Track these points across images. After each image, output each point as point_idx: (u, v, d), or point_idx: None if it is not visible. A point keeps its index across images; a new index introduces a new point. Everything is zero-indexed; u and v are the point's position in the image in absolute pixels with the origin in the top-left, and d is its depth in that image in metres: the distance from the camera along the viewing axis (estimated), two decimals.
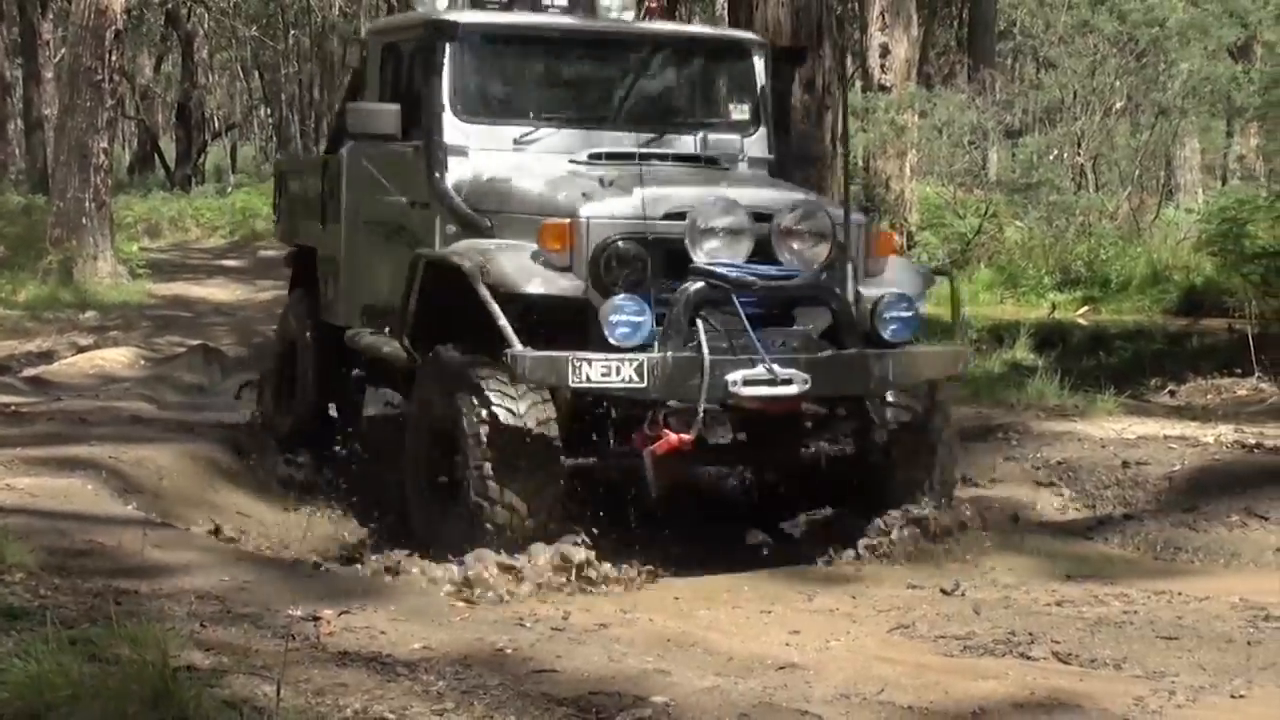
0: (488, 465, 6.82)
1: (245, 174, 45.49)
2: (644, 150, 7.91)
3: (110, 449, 8.73)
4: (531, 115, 8.20)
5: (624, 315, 6.72)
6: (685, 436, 6.78)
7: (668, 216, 7.04)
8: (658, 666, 5.05)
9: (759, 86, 8.65)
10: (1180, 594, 6.41)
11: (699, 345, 6.80)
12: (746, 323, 6.90)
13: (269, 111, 55.48)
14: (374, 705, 4.24)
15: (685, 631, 5.88)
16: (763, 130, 8.60)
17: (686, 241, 6.92)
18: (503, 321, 6.69)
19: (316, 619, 5.35)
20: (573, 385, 6.69)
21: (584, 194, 7.22)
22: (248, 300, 22.76)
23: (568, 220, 7.07)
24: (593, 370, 6.64)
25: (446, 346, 7.16)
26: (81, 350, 15.99)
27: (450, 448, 7.08)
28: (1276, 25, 22.91)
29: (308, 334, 9.68)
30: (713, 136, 8.36)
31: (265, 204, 35.75)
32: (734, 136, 8.47)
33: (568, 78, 8.74)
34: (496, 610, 6.21)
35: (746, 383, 6.82)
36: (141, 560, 6.05)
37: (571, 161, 7.82)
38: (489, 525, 6.83)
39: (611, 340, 6.68)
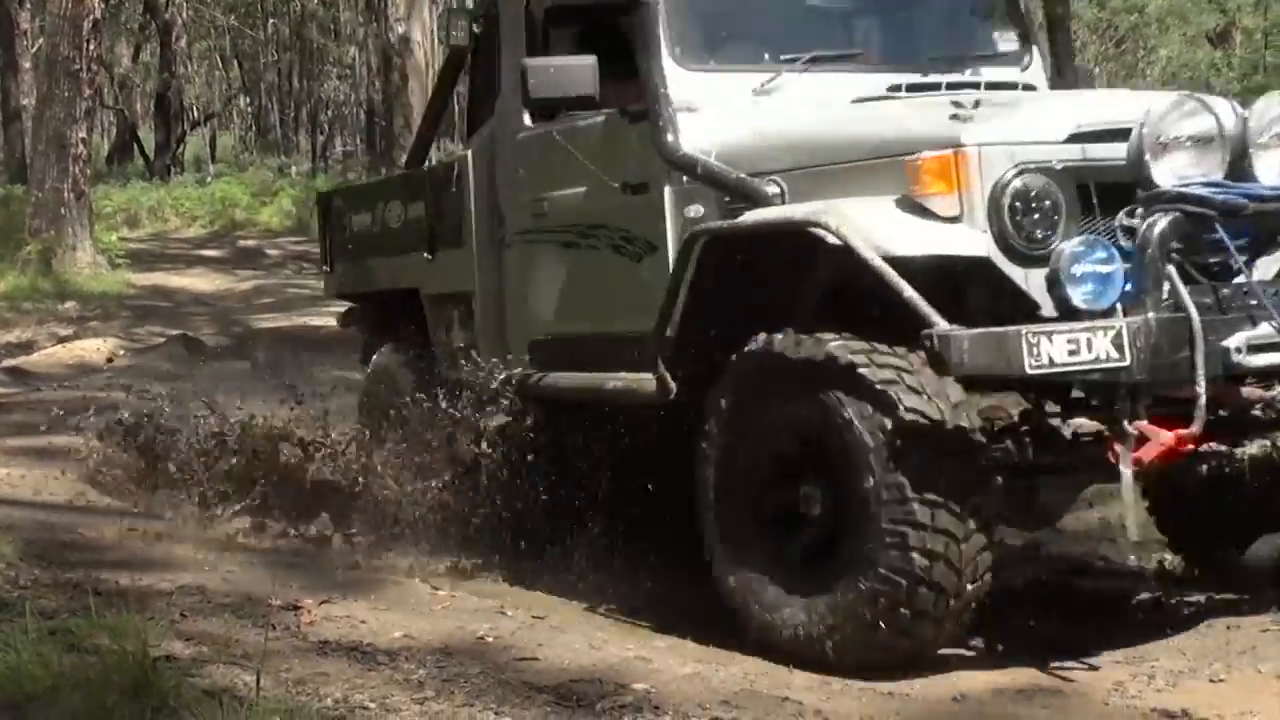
0: (909, 485, 4.83)
1: (225, 164, 45.38)
2: (950, 80, 6.15)
3: (90, 439, 8.71)
4: (768, 58, 6.30)
5: (1089, 264, 4.90)
6: (1186, 432, 4.88)
7: (1074, 139, 5.20)
8: (639, 654, 5.06)
9: (1023, 5, 6.92)
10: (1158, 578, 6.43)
11: (1181, 300, 4.90)
12: (1241, 263, 5.08)
13: (248, 101, 55.40)
14: (354, 694, 4.24)
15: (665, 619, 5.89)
16: (1037, 60, 6.83)
17: (1145, 156, 5.00)
18: (911, 293, 4.85)
19: (297, 608, 5.35)
20: (1030, 371, 4.79)
21: (954, 117, 5.36)
22: (228, 290, 22.73)
23: (950, 152, 5.12)
24: (1055, 348, 4.77)
25: (770, 337, 5.26)
26: (61, 341, 15.97)
27: (796, 477, 5.30)
28: (1255, 11, 22.94)
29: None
30: (985, 70, 6.52)
31: (245, 193, 35.87)
32: (1008, 69, 6.64)
33: (805, 9, 6.87)
34: (478, 599, 6.22)
35: (1252, 348, 4.96)
36: (121, 550, 6.05)
37: (855, 101, 5.99)
38: (918, 559, 4.81)
39: (1075, 301, 4.87)
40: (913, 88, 6.01)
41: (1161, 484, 5.92)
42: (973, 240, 5.06)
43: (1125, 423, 4.87)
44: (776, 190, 5.59)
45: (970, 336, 4.79)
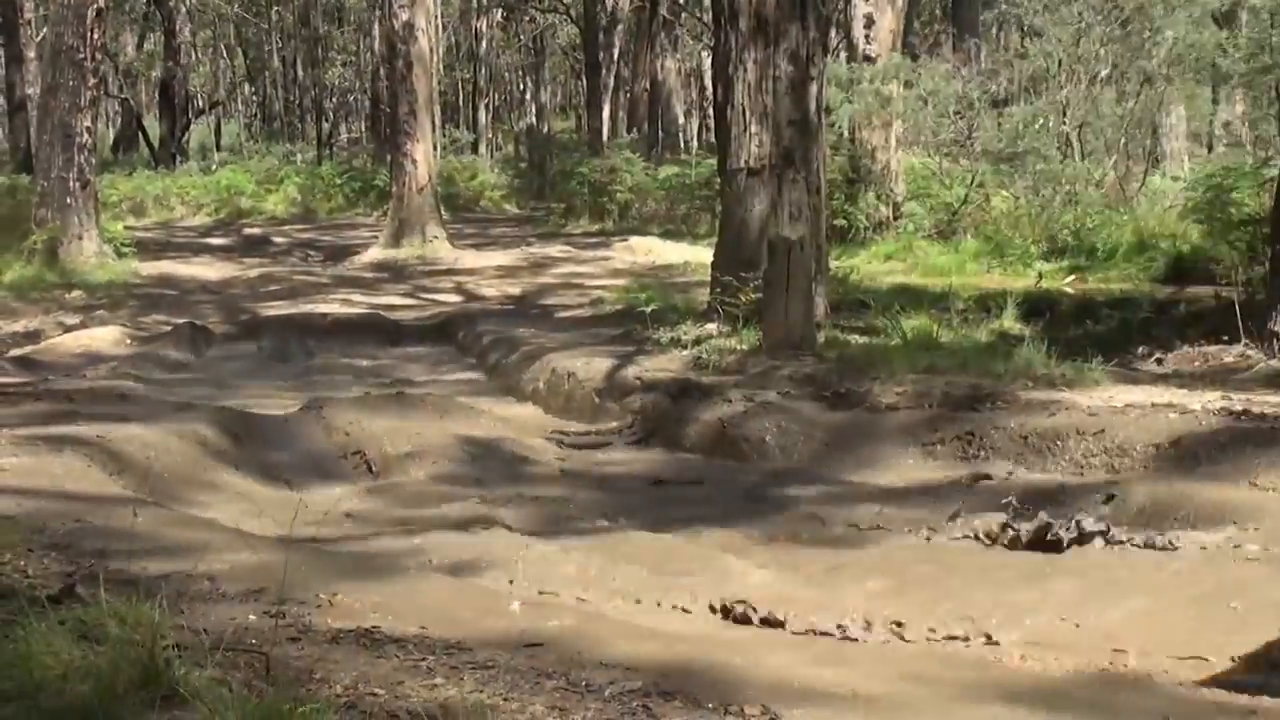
0: None
1: (230, 151, 45.37)
2: None
3: (98, 428, 8.72)
4: None
5: None
6: None
7: None
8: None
9: None
10: None
11: None
12: None
13: (253, 89, 55.35)
14: (364, 682, 4.23)
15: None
16: None
17: None
18: None
19: (309, 598, 5.34)
20: None
21: None
22: (234, 278, 22.74)
23: None
24: None
25: None
26: (68, 330, 15.99)
27: None
28: None
29: None
30: None
31: (250, 181, 35.88)
32: None
33: None
34: (487, 587, 6.22)
35: None
36: (130, 539, 6.04)
37: None
38: None
39: None
40: None
41: None
42: None
43: None
44: None
45: None
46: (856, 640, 5.40)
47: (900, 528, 7.55)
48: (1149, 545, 6.63)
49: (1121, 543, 6.73)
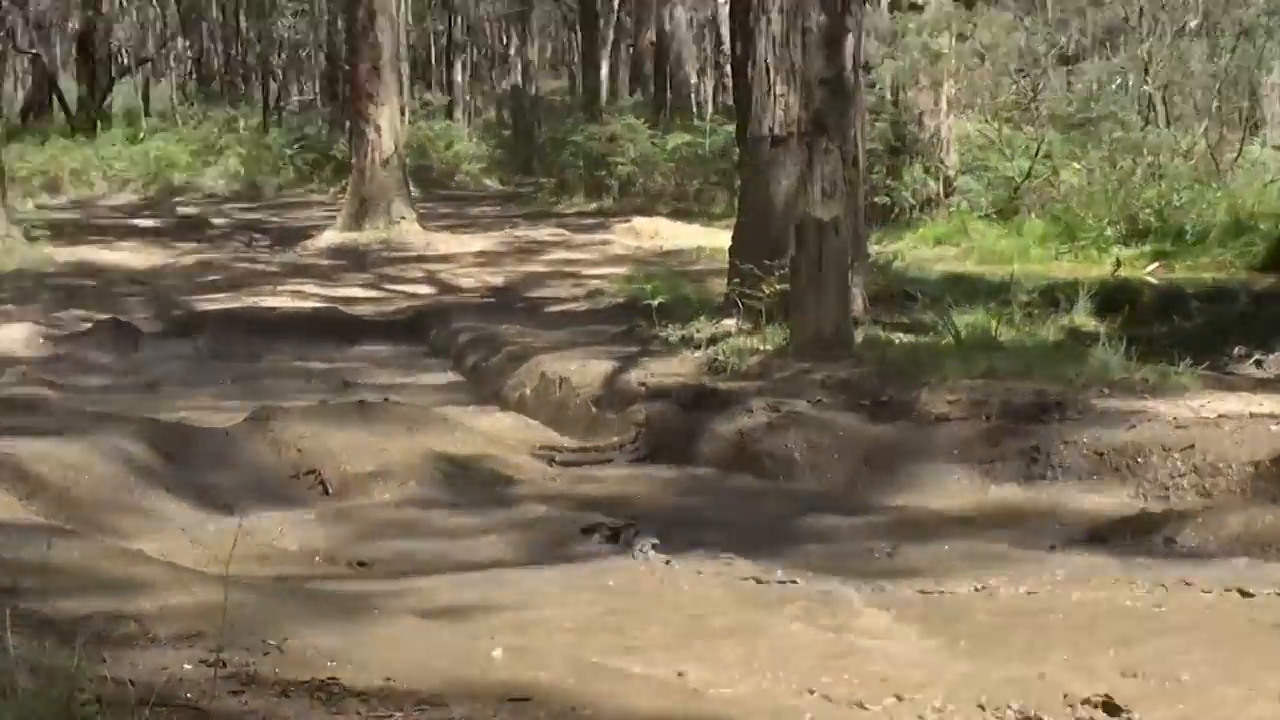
0: None
1: (160, 117, 45.37)
2: None
3: (6, 444, 8.72)
4: None
5: None
6: None
7: None
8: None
9: None
10: None
11: None
12: None
13: (187, 43, 55.34)
14: None
15: None
16: None
17: None
18: None
19: (254, 644, 5.33)
20: None
21: None
22: (166, 266, 22.77)
23: None
24: None
25: None
26: None
27: None
28: None
29: None
30: None
31: (185, 152, 35.93)
32: None
33: None
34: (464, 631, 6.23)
35: None
36: (44, 574, 6.04)
37: None
38: None
39: None
40: None
41: None
42: None
43: None
44: None
45: None
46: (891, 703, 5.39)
47: (955, 563, 7.54)
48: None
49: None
